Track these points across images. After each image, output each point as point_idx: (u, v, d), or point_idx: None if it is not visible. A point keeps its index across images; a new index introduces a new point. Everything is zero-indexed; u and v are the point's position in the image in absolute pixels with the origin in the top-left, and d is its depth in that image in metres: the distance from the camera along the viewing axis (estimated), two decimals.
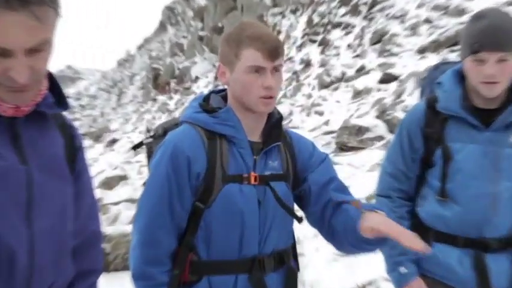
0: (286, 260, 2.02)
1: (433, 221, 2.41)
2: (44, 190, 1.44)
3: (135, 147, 2.32)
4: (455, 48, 13.88)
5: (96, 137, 32.83)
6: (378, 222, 1.77)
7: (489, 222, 2.31)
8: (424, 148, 2.44)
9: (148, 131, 2.22)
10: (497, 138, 2.32)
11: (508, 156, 2.31)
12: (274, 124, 2.06)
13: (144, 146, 2.29)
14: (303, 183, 2.09)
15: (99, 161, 23.45)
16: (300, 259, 3.81)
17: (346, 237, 1.92)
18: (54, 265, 1.46)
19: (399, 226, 1.72)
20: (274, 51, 1.90)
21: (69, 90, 61.86)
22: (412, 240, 1.65)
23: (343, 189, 2.08)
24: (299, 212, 2.10)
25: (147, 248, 1.88)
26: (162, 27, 53.49)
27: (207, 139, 1.93)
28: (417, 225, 2.45)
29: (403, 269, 2.44)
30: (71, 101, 55.63)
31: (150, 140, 2.22)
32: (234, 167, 1.93)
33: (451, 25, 15.55)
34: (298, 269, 2.11)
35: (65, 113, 1.62)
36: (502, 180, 2.30)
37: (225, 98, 2.06)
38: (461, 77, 2.43)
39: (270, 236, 1.96)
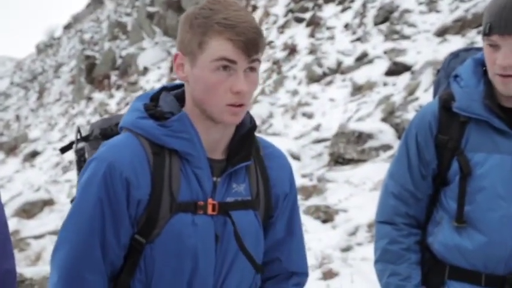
0: None
1: (449, 253, 2.47)
2: None
3: (64, 149, 2.28)
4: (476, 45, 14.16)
5: (10, 149, 32.56)
6: None
7: None
8: (438, 160, 2.48)
9: (79, 131, 2.17)
10: None
11: None
12: (243, 137, 2.03)
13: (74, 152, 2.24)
14: (269, 225, 2.14)
15: (15, 180, 23.27)
16: None
17: None
18: None
19: None
20: (251, 43, 1.87)
21: None
22: None
23: (300, 250, 2.20)
24: None
25: None
26: (97, 0, 53.34)
27: (152, 154, 1.93)
28: (429, 259, 2.54)
29: None
30: None
31: (82, 144, 2.17)
32: (186, 192, 1.94)
33: None
34: None
35: None
36: None
37: (180, 98, 2.05)
38: (483, 68, 2.47)
39: (228, 280, 2.00)
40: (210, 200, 1.96)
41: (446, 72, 2.69)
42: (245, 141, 2.04)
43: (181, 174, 1.94)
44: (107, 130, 2.15)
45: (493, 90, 2.42)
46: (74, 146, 2.16)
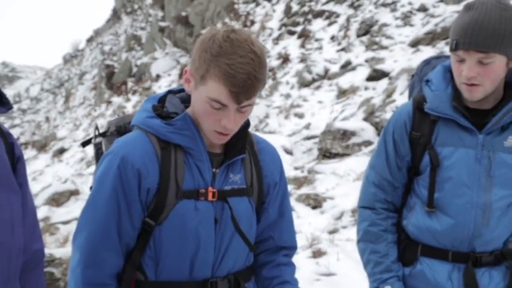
0: (242, 284, 2.06)
1: (421, 234, 2.49)
2: None
3: (85, 143, 2.29)
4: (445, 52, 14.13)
5: (41, 147, 32.51)
6: None
7: (480, 235, 2.40)
8: (411, 154, 2.50)
9: (97, 128, 2.19)
10: (490, 142, 2.39)
11: (502, 161, 2.38)
12: (238, 134, 2.04)
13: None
14: (262, 210, 2.17)
15: (45, 173, 23.23)
16: None
17: None
18: (4, 285, 1.49)
19: None
20: (246, 93, 1.85)
21: (6, 92, 60.95)
22: None
23: (289, 228, 2.23)
24: None
25: (89, 269, 1.92)
26: (115, 16, 53.16)
27: (160, 149, 1.95)
28: (404, 239, 2.56)
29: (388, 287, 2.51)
30: None
31: (100, 139, 2.18)
32: (189, 181, 1.96)
33: (448, 14, 15.81)
34: None
35: None
36: (494, 188, 2.39)
37: (184, 100, 2.07)
38: (451, 73, 2.46)
39: (226, 257, 2.02)
40: (210, 188, 1.98)
41: (419, 77, 2.70)
42: (240, 137, 2.06)
43: (185, 166, 1.97)
44: (121, 127, 2.16)
45: (459, 93, 2.43)
46: (93, 140, 2.17)
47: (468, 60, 2.29)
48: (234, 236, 2.03)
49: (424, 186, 2.48)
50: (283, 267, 2.21)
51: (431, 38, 15.07)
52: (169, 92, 2.13)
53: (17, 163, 1.64)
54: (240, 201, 2.05)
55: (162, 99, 2.09)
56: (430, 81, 2.50)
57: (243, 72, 1.82)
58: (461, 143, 2.41)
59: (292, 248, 2.25)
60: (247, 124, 2.08)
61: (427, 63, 2.73)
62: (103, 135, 2.17)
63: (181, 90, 2.13)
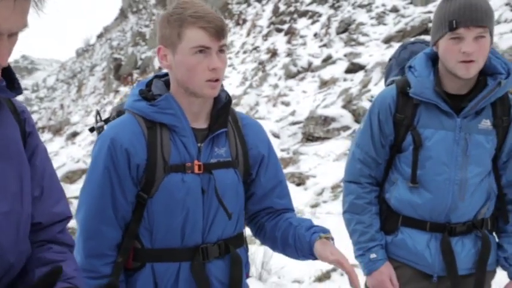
0: (232, 249, 2.02)
1: (402, 206, 2.47)
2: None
3: (92, 129, 2.23)
4: (420, 37, 14.15)
5: (56, 130, 32.35)
6: (334, 254, 1.84)
7: (456, 208, 2.40)
8: (395, 134, 2.47)
9: (98, 114, 2.14)
10: (467, 125, 2.38)
11: (477, 142, 2.38)
12: (221, 109, 2.01)
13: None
14: (251, 181, 2.11)
15: (60, 154, 23.14)
16: (266, 248, 3.94)
17: (287, 249, 2.03)
18: (14, 249, 1.46)
19: (349, 263, 1.82)
20: (219, 30, 1.86)
21: (26, 82, 60.53)
22: (356, 280, 1.78)
23: (286, 193, 2.17)
24: None
25: (89, 241, 1.91)
26: (122, 15, 52.76)
27: (146, 129, 1.92)
28: (385, 210, 2.54)
29: (372, 255, 2.49)
30: (28, 93, 54.45)
31: (102, 124, 2.15)
32: (176, 156, 1.92)
33: (417, 14, 15.84)
34: (246, 256, 2.13)
35: (18, 100, 1.59)
36: (470, 166, 2.39)
37: (168, 83, 2.03)
38: (433, 61, 2.45)
39: (215, 224, 1.98)
40: (196, 162, 1.94)
41: (397, 60, 2.68)
42: (222, 112, 2.02)
43: (171, 143, 1.94)
44: (120, 112, 2.13)
45: (440, 80, 2.41)
46: (95, 125, 2.13)
47: (467, 36, 2.25)
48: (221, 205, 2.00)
49: (405, 163, 2.46)
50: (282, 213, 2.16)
51: (402, 35, 15.11)
52: (155, 76, 2.10)
53: (27, 137, 1.59)
54: (225, 172, 1.99)
55: (149, 83, 2.06)
56: (413, 67, 2.46)
57: (208, 13, 1.87)
58: (441, 126, 2.39)
59: (291, 211, 2.19)
60: (229, 100, 2.04)
61: (404, 48, 2.70)
62: (107, 121, 2.12)
63: (167, 75, 2.08)
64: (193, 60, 1.87)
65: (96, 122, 2.13)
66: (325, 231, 1.95)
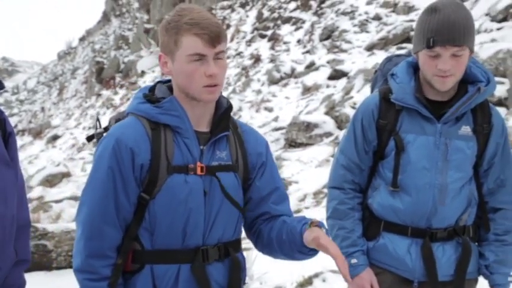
0: (232, 252, 2.02)
1: (384, 211, 2.48)
2: None
3: (90, 138, 2.26)
4: (403, 45, 14.29)
5: (36, 134, 32.07)
6: (321, 237, 1.85)
7: (437, 213, 2.41)
8: (378, 140, 2.48)
9: (98, 120, 2.15)
10: (447, 130, 2.40)
11: (457, 147, 2.41)
12: (222, 114, 2.04)
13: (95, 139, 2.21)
14: (249, 185, 2.11)
15: (40, 157, 22.94)
16: (248, 253, 3.95)
17: (283, 247, 2.02)
18: (0, 252, 1.47)
19: (337, 247, 1.83)
20: (215, 36, 1.87)
21: (6, 84, 59.72)
22: (343, 265, 1.80)
23: (283, 199, 2.16)
24: None
25: (90, 241, 1.90)
26: (105, 18, 52.49)
27: (150, 130, 1.93)
28: (368, 216, 2.55)
29: (354, 260, 2.49)
30: (8, 96, 53.91)
31: (102, 131, 2.14)
32: (179, 157, 1.93)
33: (399, 22, 15.99)
34: (244, 263, 2.11)
35: None
36: (450, 171, 2.41)
37: (171, 88, 2.05)
38: (414, 69, 2.48)
39: (215, 227, 1.98)
40: (198, 163, 1.95)
41: (382, 72, 2.70)
42: (223, 117, 2.04)
43: (174, 144, 1.95)
44: (120, 120, 2.13)
45: (421, 86, 2.44)
46: (94, 130, 2.14)
47: (444, 54, 2.29)
48: (222, 205, 2.00)
49: (388, 168, 2.47)
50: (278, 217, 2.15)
51: (384, 43, 15.26)
52: (159, 82, 2.12)
53: (8, 138, 1.60)
54: (226, 175, 2.01)
55: (152, 88, 2.08)
56: (395, 74, 2.49)
57: (205, 19, 1.89)
58: (422, 131, 2.42)
59: (288, 216, 2.16)
60: (230, 106, 2.07)
61: (389, 60, 2.73)
62: (106, 129, 2.12)
63: (168, 81, 2.11)
64: (190, 68, 1.90)
65: (96, 128, 2.13)
66: (317, 222, 1.95)
